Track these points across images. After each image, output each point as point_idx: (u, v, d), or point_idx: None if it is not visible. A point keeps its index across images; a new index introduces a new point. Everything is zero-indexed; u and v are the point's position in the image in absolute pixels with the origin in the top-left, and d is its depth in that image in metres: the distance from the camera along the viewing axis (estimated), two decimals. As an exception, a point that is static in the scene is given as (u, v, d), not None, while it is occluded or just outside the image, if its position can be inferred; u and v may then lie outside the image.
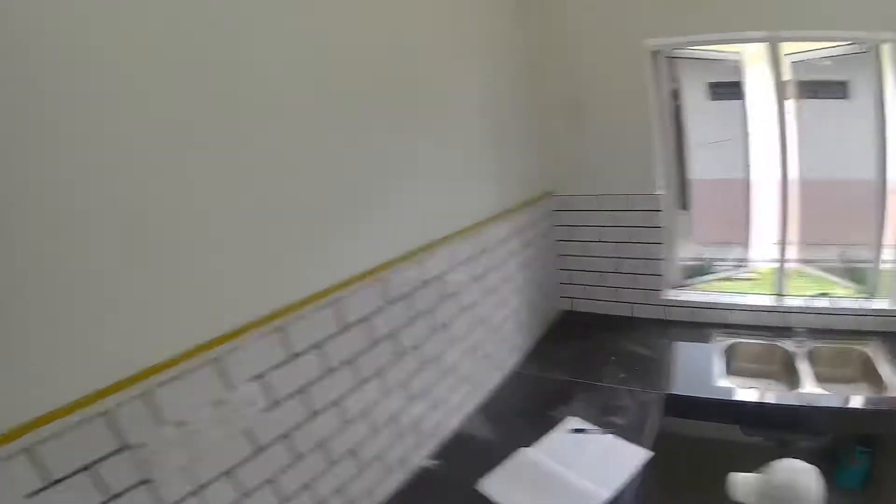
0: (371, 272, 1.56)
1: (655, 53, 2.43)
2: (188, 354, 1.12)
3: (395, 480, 1.74)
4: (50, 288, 0.92)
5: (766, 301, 2.54)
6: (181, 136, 1.09)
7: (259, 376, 1.28)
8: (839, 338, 2.33)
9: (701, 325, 2.60)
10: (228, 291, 1.20)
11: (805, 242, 2.59)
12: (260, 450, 1.29)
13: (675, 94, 2.53)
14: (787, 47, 2.27)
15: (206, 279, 1.15)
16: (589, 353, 2.46)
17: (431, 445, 1.91)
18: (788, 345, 2.35)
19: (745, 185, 2.68)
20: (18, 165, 0.88)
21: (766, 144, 2.47)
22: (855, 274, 2.45)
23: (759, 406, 2.07)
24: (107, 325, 1.00)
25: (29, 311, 0.90)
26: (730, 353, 2.46)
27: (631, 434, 1.86)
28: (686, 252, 2.75)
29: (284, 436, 1.35)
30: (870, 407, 2.00)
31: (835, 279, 2.56)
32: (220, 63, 1.15)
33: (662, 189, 2.58)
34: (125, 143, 1.00)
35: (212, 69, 1.14)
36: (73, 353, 0.96)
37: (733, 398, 2.11)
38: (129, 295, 1.02)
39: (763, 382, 2.38)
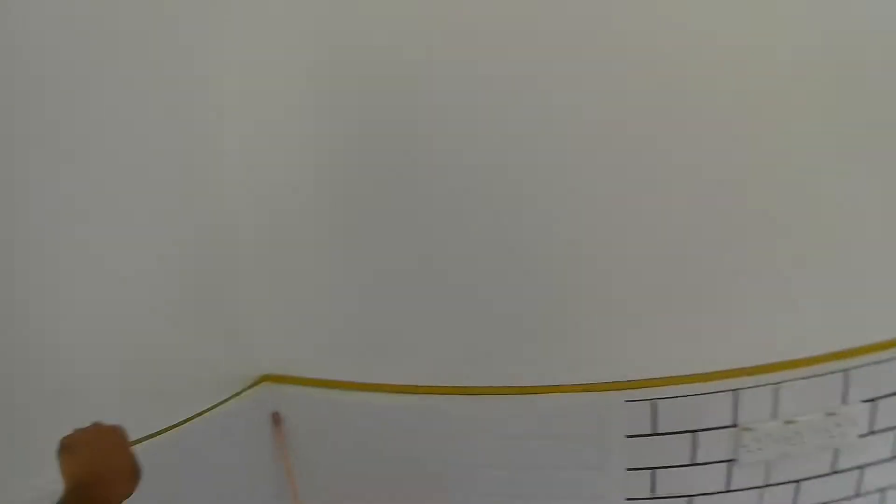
0: None
1: None
2: (818, 359, 0.97)
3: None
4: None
5: None
6: None
7: (871, 399, 1.04)
8: None
9: None
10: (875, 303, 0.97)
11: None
12: (834, 472, 1.10)
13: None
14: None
15: (855, 286, 0.95)
16: None
17: None
18: None
19: None
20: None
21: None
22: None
23: None
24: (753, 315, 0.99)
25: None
26: None
27: None
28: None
29: (860, 467, 1.12)
30: None
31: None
32: None
33: None
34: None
35: None
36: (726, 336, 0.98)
37: None
38: (795, 292, 0.94)
39: None
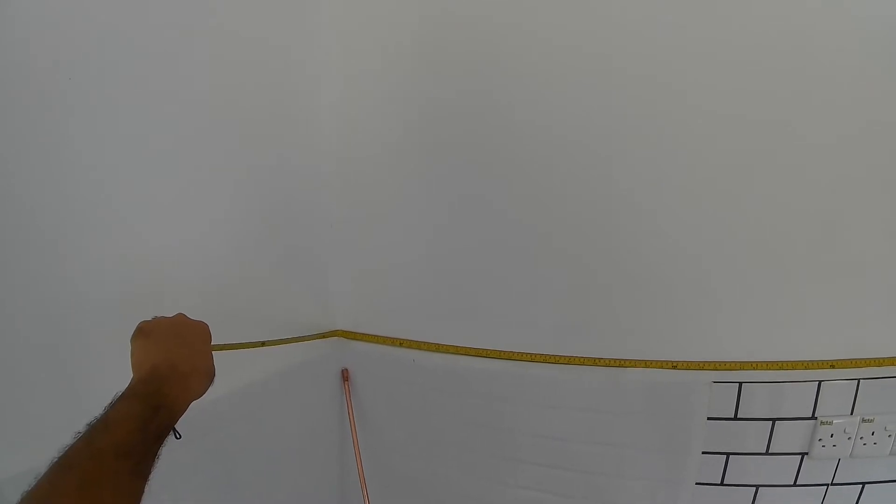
0: None
1: None
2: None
3: None
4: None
5: None
6: None
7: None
8: None
9: None
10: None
11: None
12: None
13: None
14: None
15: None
16: None
17: None
18: None
19: None
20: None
21: None
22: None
23: None
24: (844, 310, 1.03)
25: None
26: None
27: None
28: None
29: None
30: None
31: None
32: None
33: None
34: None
35: None
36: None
37: None
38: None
39: None
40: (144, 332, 0.63)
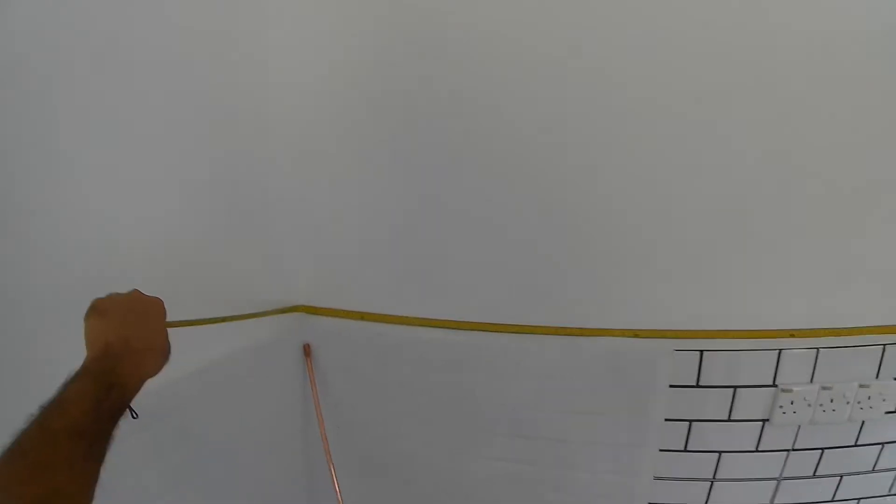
0: None
1: None
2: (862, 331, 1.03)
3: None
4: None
5: None
6: None
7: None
8: None
9: None
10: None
11: None
12: (856, 445, 1.16)
13: None
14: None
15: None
16: None
17: None
18: None
19: None
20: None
21: None
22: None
23: None
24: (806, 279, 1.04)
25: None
26: None
27: None
28: None
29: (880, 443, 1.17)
30: None
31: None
32: None
33: None
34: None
35: None
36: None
37: None
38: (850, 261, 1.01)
39: None
40: (98, 310, 0.61)
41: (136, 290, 0.69)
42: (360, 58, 1.11)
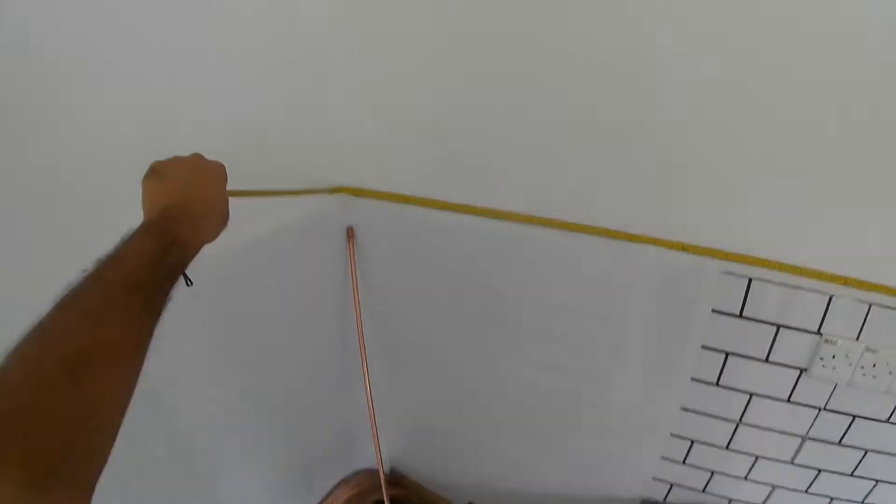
0: None
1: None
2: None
3: None
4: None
5: None
6: None
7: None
8: None
9: None
10: None
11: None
12: (888, 422, 1.15)
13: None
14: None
15: None
16: None
17: None
18: None
19: None
20: None
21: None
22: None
23: None
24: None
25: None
26: None
27: None
28: None
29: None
30: None
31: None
32: None
33: None
34: None
35: None
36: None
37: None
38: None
39: None
40: (157, 173, 0.59)
41: (196, 154, 0.67)
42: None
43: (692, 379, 1.22)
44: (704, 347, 1.18)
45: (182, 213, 0.56)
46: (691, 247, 1.11)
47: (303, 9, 1.13)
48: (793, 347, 1.14)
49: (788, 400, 1.19)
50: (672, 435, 1.33)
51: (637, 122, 1.05)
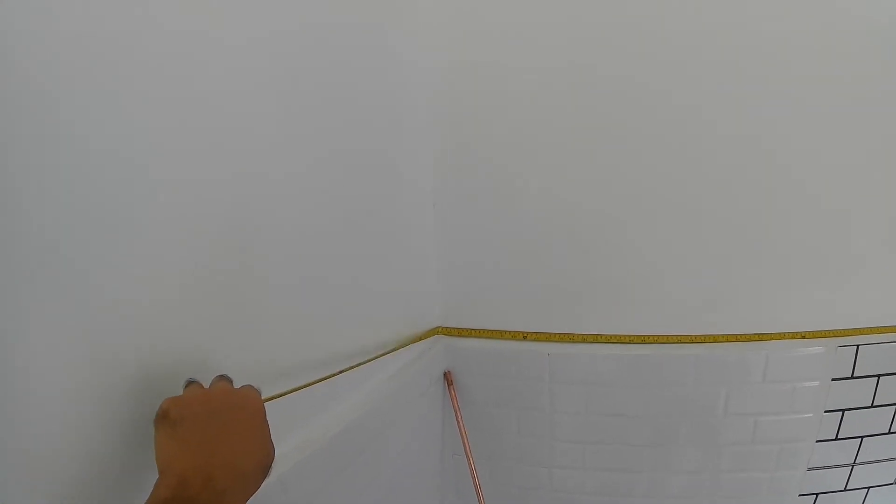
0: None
1: None
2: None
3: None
4: None
5: None
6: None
7: None
8: None
9: None
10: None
11: None
12: None
13: None
14: None
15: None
16: None
17: None
18: None
19: None
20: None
21: None
22: None
23: None
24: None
25: None
26: None
27: None
28: None
29: None
30: None
31: None
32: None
33: None
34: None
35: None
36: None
37: None
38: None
39: None
40: (171, 420, 0.45)
41: (222, 382, 0.52)
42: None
43: (817, 441, 1.32)
44: (827, 411, 1.29)
45: (202, 489, 0.42)
46: (816, 333, 1.23)
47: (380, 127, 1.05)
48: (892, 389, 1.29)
49: (889, 432, 1.34)
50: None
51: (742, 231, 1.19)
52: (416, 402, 1.21)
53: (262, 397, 0.54)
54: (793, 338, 1.24)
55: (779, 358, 1.24)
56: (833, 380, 1.26)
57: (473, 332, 1.28)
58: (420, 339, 1.22)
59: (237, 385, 0.54)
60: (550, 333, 1.27)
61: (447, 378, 1.33)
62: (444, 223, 1.25)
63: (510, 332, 1.27)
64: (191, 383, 0.51)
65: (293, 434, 0.75)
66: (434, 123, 1.19)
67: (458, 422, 1.31)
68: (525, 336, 1.28)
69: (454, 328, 1.29)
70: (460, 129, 1.20)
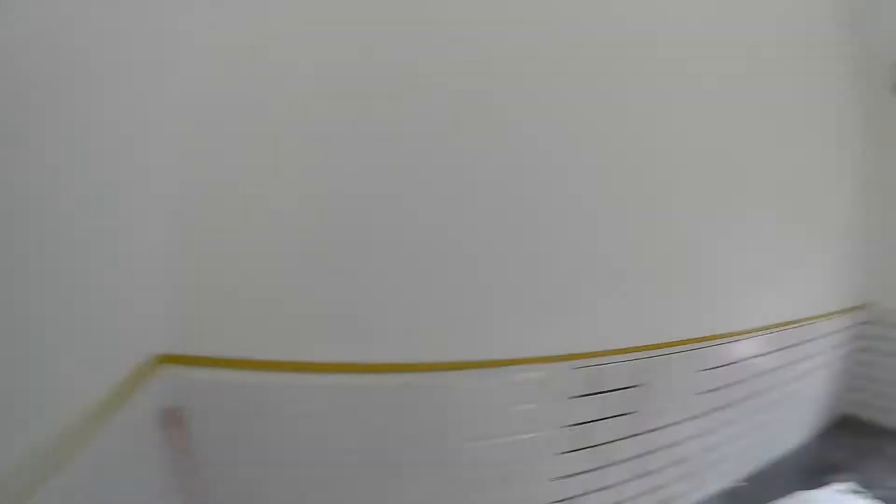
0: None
1: None
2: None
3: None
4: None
5: None
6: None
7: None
8: None
9: None
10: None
11: None
12: None
13: None
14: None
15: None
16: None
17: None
18: None
19: None
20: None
21: None
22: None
23: None
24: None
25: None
26: None
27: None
28: None
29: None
30: None
31: None
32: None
33: None
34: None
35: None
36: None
37: None
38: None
39: None
40: None
41: None
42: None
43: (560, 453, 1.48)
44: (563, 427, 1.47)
45: None
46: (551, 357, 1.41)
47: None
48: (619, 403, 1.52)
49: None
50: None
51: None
52: (131, 446, 0.88)
53: None
54: (528, 363, 1.38)
55: (511, 381, 1.37)
56: (570, 398, 1.44)
57: (205, 360, 1.02)
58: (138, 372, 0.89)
59: None
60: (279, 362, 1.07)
61: (172, 417, 1.00)
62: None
63: (236, 360, 1.04)
64: None
65: None
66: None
67: (189, 467, 1.00)
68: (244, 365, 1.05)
69: (182, 355, 1.00)
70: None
